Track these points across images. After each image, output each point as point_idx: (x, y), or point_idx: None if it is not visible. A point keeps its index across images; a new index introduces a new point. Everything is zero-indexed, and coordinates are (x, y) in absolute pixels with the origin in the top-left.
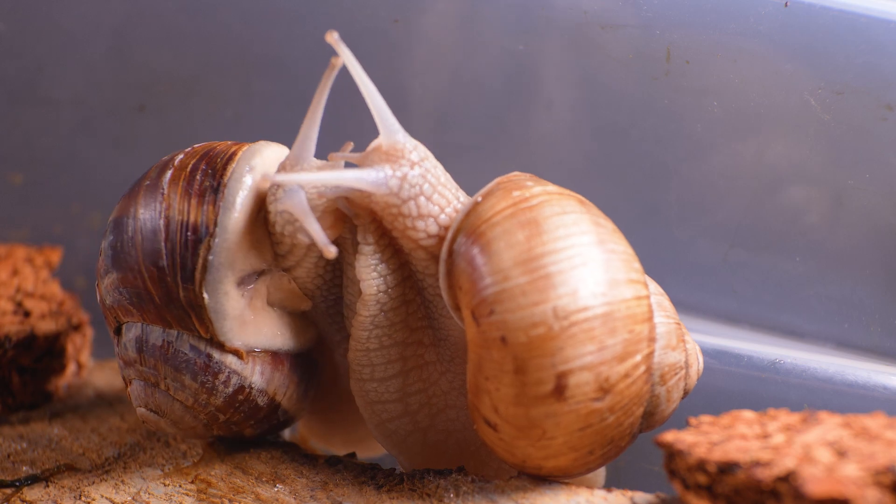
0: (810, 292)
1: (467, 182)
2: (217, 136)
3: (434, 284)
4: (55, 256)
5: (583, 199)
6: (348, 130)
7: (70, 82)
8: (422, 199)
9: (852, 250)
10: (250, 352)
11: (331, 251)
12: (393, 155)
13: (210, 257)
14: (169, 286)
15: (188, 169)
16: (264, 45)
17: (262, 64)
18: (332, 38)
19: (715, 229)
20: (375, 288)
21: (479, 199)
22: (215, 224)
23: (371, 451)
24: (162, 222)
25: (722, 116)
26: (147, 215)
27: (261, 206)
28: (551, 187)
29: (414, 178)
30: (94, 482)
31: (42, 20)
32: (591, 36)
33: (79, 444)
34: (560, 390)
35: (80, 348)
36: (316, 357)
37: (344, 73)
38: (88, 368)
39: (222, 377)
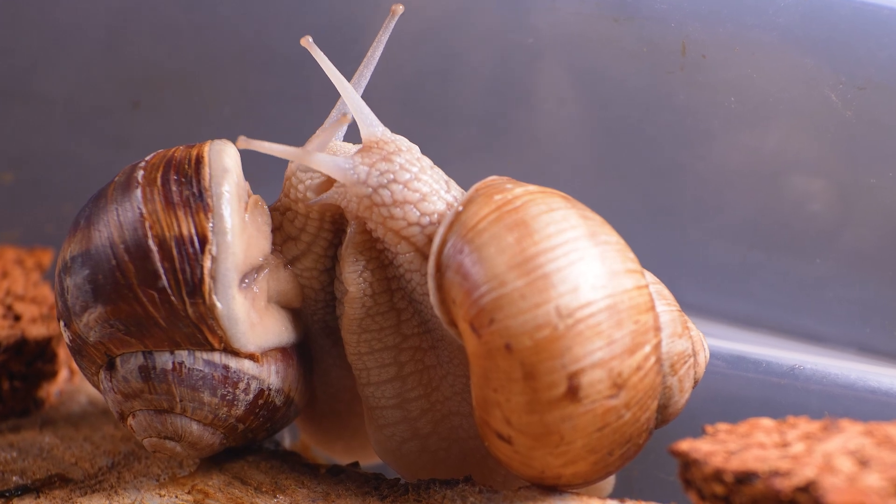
0: (831, 295)
1: (470, 182)
2: (216, 134)
3: (422, 283)
4: (46, 258)
5: (566, 195)
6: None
7: (62, 78)
8: (396, 186)
9: (875, 251)
10: (264, 353)
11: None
12: (367, 147)
13: (214, 265)
14: (174, 306)
15: (158, 182)
16: (264, 39)
17: (261, 59)
18: (307, 41)
19: (732, 230)
20: (361, 291)
21: (461, 207)
22: (212, 231)
23: (374, 458)
24: (152, 243)
25: (739, 112)
26: (130, 239)
27: (244, 203)
28: (532, 187)
29: (385, 166)
30: (86, 493)
31: (34, 14)
32: (603, 29)
33: (71, 452)
34: (573, 391)
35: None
36: (310, 345)
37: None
38: (81, 374)
39: (242, 385)
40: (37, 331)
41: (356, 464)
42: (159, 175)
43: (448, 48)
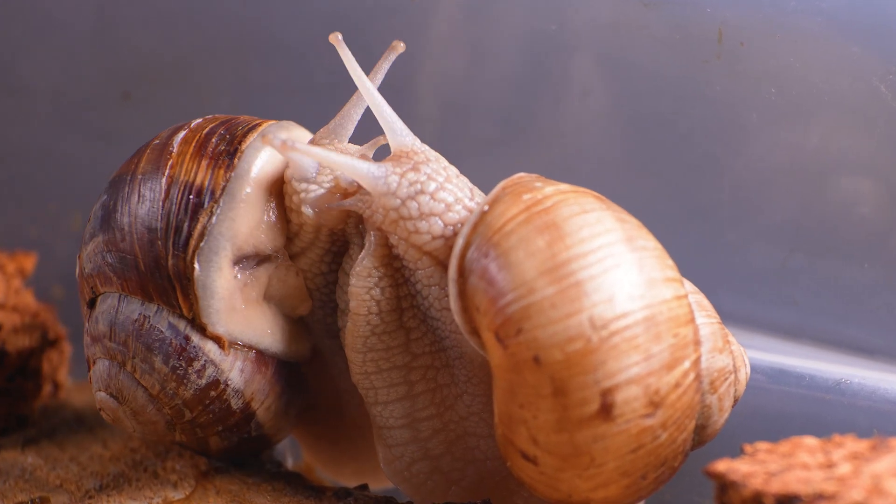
0: (880, 302)
1: (491, 180)
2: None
3: (441, 297)
4: (29, 263)
5: (600, 195)
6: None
7: (47, 68)
8: (423, 197)
9: None
10: (233, 343)
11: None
12: (396, 156)
13: (210, 225)
14: (158, 251)
15: (204, 132)
16: (265, 26)
17: (262, 48)
18: (336, 38)
19: (772, 232)
20: (367, 309)
21: (486, 207)
22: (223, 190)
23: (386, 481)
24: (164, 181)
25: (780, 105)
26: (149, 173)
27: (278, 184)
28: (563, 186)
29: (414, 176)
30: None
31: None
32: (632, 14)
33: (56, 474)
34: (607, 409)
35: (56, 366)
36: (308, 376)
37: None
38: (67, 389)
39: (197, 365)
40: (19, 342)
41: (365, 486)
42: (210, 126)
43: (466, 36)
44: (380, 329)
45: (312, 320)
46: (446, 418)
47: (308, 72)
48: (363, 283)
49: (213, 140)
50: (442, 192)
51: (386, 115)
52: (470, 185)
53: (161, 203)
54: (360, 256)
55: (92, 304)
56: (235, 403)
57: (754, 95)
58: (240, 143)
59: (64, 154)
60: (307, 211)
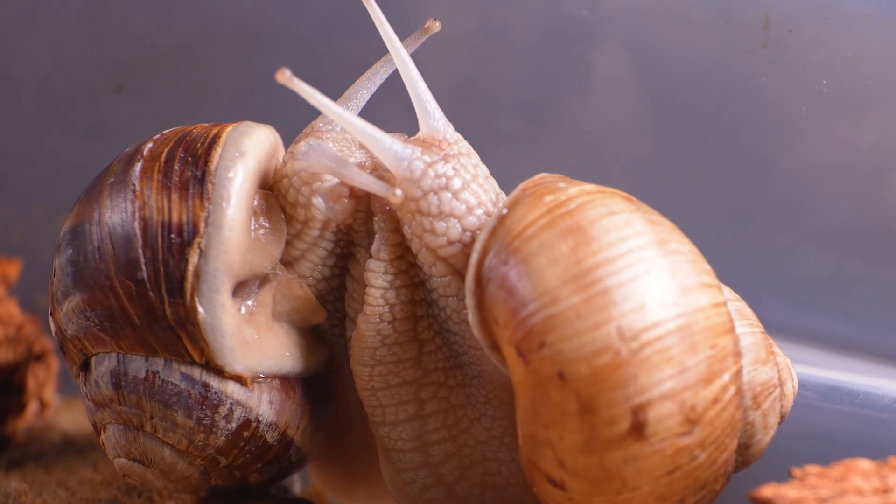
0: None
1: (511, 181)
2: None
3: (459, 309)
4: (13, 270)
5: (629, 196)
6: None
7: (32, 57)
8: (446, 194)
9: None
10: (255, 378)
11: (396, 195)
12: (427, 142)
13: (202, 262)
14: (151, 303)
15: (162, 158)
16: (269, 10)
17: (266, 34)
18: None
19: (823, 236)
20: (378, 316)
21: (505, 210)
22: (206, 221)
23: None
24: (137, 225)
25: (832, 97)
26: (116, 219)
27: (262, 192)
28: (589, 186)
29: (442, 168)
30: None
31: None
32: None
33: (42, 500)
34: (639, 428)
35: (43, 383)
36: (331, 380)
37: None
38: (53, 407)
39: (223, 410)
40: (1, 356)
41: None
42: (166, 150)
43: (488, 22)
44: (391, 339)
45: (320, 329)
46: (460, 442)
47: (316, 60)
48: (378, 283)
49: (176, 166)
50: (466, 191)
51: (420, 92)
52: (498, 189)
53: (141, 250)
54: (374, 248)
55: (85, 366)
56: (271, 437)
57: (803, 87)
58: (206, 164)
59: (51, 151)
60: (318, 202)
